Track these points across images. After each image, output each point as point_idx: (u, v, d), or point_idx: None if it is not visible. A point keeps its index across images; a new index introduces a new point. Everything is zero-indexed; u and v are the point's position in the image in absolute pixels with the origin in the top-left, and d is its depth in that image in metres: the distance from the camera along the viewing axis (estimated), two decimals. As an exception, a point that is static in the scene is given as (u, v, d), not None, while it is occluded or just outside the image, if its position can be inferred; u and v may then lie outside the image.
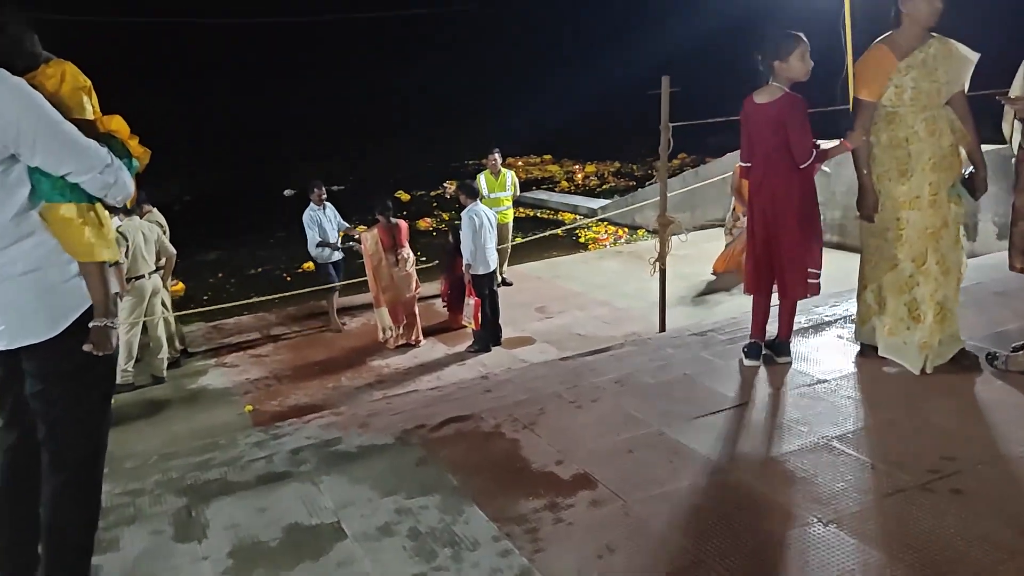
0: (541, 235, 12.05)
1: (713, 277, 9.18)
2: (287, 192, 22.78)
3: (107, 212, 2.30)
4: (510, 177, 9.76)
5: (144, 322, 7.59)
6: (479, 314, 7.54)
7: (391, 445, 3.62)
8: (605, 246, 13.75)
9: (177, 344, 8.25)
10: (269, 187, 23.51)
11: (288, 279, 13.16)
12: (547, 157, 29.13)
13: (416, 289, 7.99)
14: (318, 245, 8.64)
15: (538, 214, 17.62)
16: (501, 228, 9.51)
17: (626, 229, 14.64)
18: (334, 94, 40.66)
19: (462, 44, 46.13)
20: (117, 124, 2.29)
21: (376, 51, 45.55)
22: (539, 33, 44.86)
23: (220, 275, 13.63)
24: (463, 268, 7.50)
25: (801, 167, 3.98)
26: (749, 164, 4.16)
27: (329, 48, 44.82)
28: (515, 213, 17.56)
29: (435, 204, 20.46)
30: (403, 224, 7.84)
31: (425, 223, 17.06)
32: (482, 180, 9.67)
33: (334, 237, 8.75)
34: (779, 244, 4.09)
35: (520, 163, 28.08)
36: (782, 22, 4.16)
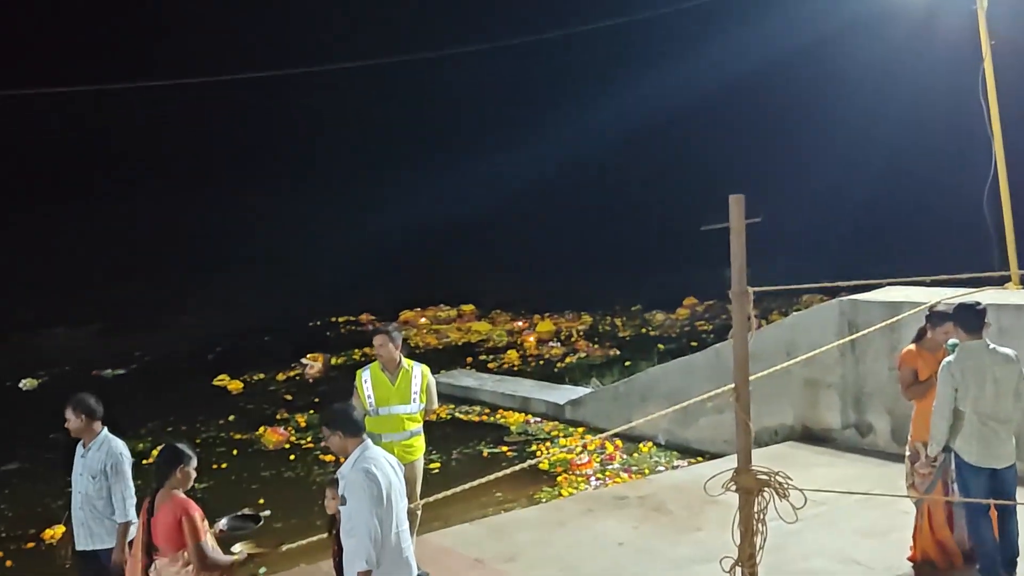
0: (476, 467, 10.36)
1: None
2: (24, 384, 21.16)
3: None
4: (419, 377, 8.39)
5: None
6: None
7: None
8: (588, 479, 12.47)
9: None
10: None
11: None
12: (468, 308, 28.44)
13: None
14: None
15: (459, 413, 16.49)
16: (406, 472, 7.86)
17: (620, 442, 13.46)
18: (109, 219, 40.46)
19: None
20: None
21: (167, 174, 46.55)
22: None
23: None
24: None
25: None
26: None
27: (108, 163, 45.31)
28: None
29: (288, 395, 19.16)
30: (176, 508, 6.03)
31: (276, 435, 15.65)
32: (366, 382, 8.44)
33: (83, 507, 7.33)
34: None
35: (423, 320, 27.43)
36: None
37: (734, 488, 5.55)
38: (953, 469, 7.44)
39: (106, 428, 7.30)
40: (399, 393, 8.31)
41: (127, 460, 7.20)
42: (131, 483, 7.25)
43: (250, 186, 44.98)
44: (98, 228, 41.15)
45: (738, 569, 5.54)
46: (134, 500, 7.19)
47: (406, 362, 8.44)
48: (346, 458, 5.99)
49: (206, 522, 6.07)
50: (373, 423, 8.12)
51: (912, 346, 8.05)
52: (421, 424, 8.46)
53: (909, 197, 32.03)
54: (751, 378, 9.65)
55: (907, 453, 8.03)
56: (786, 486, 5.50)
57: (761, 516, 5.52)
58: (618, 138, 39.22)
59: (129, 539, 7.12)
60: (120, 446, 7.24)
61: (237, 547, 6.46)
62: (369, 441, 6.06)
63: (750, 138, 37.96)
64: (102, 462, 7.15)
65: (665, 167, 38.65)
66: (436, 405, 8.63)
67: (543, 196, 39.44)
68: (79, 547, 7.31)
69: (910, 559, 8.00)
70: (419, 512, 8.42)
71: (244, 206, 43.80)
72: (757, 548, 5.54)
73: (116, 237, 40.85)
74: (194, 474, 6.20)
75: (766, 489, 5.50)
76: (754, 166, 34.27)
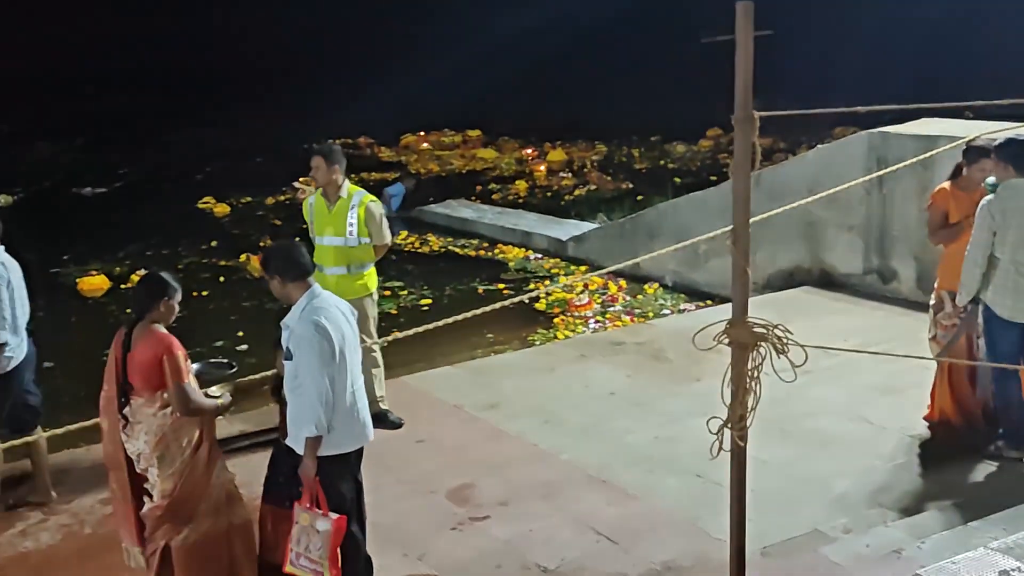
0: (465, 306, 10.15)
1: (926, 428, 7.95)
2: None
3: None
4: (356, 208, 8.09)
5: None
6: (339, 552, 5.66)
7: None
8: (587, 322, 12.32)
9: None
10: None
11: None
12: (474, 134, 28.14)
13: (167, 498, 5.82)
14: None
15: (454, 247, 16.39)
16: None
17: (624, 282, 13.34)
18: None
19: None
20: None
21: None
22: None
23: None
24: (305, 448, 5.60)
25: None
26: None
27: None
28: (415, 246, 16.31)
29: (278, 221, 19.05)
30: (157, 345, 5.71)
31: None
32: (311, 206, 8.31)
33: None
34: None
35: (425, 145, 27.21)
36: None
37: (726, 341, 5.20)
38: (981, 322, 7.16)
39: (3, 247, 6.98)
40: (334, 222, 8.04)
41: (2, 279, 6.87)
42: (5, 303, 6.99)
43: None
44: (89, 31, 40.59)
45: (727, 431, 5.25)
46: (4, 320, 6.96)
47: (350, 189, 8.11)
48: (291, 305, 5.62)
49: (190, 361, 5.80)
50: (316, 253, 7.93)
51: (946, 184, 7.65)
52: (367, 261, 8.18)
53: (972, 38, 30.98)
54: (761, 217, 9.32)
55: (931, 302, 7.74)
56: (785, 340, 5.12)
57: (755, 374, 5.19)
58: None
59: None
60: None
61: (215, 389, 6.19)
62: (317, 286, 5.65)
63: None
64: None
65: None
66: (387, 241, 8.26)
67: (562, 24, 38.39)
68: None
69: (926, 418, 7.81)
70: (375, 353, 8.24)
71: (260, 15, 43.14)
72: (749, 409, 5.24)
73: (108, 43, 40.31)
74: (177, 308, 5.90)
75: (762, 344, 5.15)
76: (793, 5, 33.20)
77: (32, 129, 29.14)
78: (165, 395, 5.67)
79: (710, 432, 5.24)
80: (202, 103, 33.18)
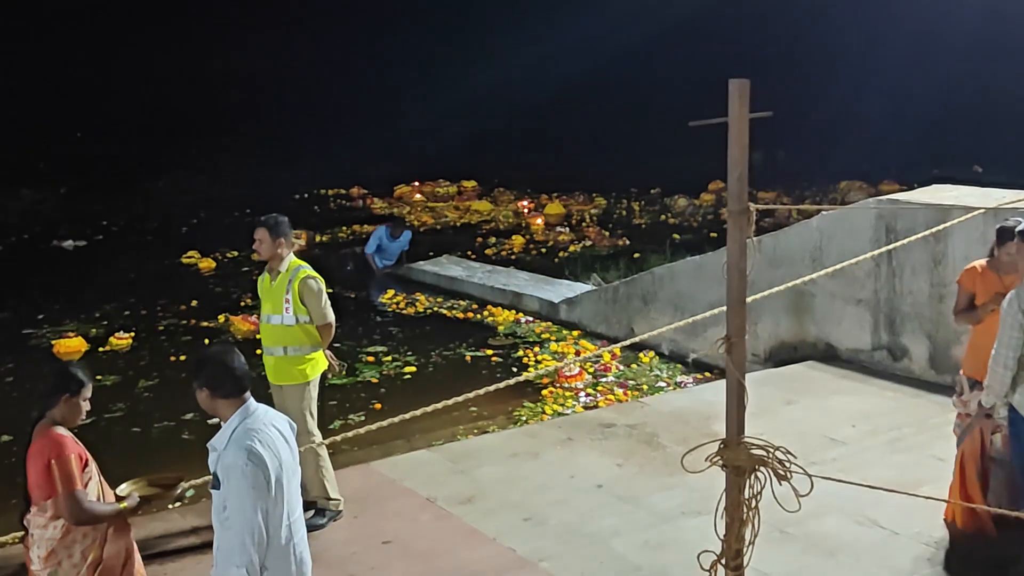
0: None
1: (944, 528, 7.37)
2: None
3: None
4: (293, 279, 7.62)
5: None
6: None
7: None
8: (577, 394, 11.75)
9: None
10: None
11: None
12: (469, 184, 28.00)
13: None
14: None
15: (442, 308, 15.88)
16: (283, 398, 7.73)
17: (618, 350, 12.63)
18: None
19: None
20: None
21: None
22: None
23: None
24: None
25: None
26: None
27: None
28: (400, 307, 15.90)
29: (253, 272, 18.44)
30: (47, 448, 5.25)
31: (246, 324, 14.93)
32: (260, 282, 8.01)
33: None
34: None
35: (419, 196, 27.11)
36: None
37: (720, 464, 4.63)
38: (1000, 419, 6.61)
39: None
40: (272, 298, 7.59)
41: None
42: None
43: (257, 35, 43.97)
44: (75, 74, 40.53)
45: (720, 567, 4.64)
46: None
47: (291, 263, 7.63)
48: (221, 422, 4.91)
49: (92, 465, 5.30)
50: (261, 332, 7.74)
51: (977, 263, 7.16)
52: (307, 344, 7.65)
53: (984, 97, 30.71)
54: (761, 295, 8.71)
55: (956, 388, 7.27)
56: (788, 464, 4.53)
57: (753, 503, 4.61)
58: (657, 23, 37.73)
59: None
60: None
61: (123, 488, 5.55)
62: (251, 402, 4.91)
63: (808, 28, 36.18)
64: None
65: (713, 52, 37.26)
66: (329, 320, 7.72)
67: (560, 73, 38.31)
68: None
69: (946, 517, 7.24)
70: (314, 445, 7.67)
71: (249, 62, 43.09)
72: (747, 543, 4.64)
73: (98, 87, 40.21)
74: (86, 406, 5.38)
75: (762, 468, 4.56)
76: (812, 58, 32.90)
77: (16, 175, 28.99)
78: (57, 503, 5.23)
79: (701, 568, 4.67)
80: (189, 150, 33.18)
